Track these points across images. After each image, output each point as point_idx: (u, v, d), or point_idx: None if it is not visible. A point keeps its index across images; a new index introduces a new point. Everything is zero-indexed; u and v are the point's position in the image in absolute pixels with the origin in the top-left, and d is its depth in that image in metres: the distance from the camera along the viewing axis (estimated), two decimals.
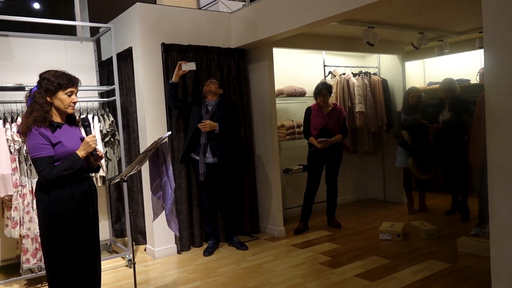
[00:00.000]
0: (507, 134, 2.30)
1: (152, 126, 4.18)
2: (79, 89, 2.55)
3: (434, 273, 3.48)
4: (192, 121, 4.18)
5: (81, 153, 2.41)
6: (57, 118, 2.45)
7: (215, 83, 4.20)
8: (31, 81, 3.48)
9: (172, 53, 4.24)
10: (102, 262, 4.08)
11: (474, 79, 6.08)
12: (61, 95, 2.41)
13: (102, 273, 3.90)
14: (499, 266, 2.38)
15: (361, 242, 4.40)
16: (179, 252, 4.31)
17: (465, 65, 6.40)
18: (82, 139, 2.50)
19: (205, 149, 4.14)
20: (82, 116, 3.98)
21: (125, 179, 2.86)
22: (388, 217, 5.27)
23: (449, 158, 4.96)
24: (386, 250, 4.10)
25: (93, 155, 2.50)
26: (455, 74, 6.03)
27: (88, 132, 2.52)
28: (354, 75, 5.79)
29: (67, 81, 2.43)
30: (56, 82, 2.39)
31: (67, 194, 2.39)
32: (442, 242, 4.23)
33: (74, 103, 2.48)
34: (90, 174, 2.65)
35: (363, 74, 5.87)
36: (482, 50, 5.71)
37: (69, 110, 2.47)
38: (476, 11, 3.66)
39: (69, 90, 2.43)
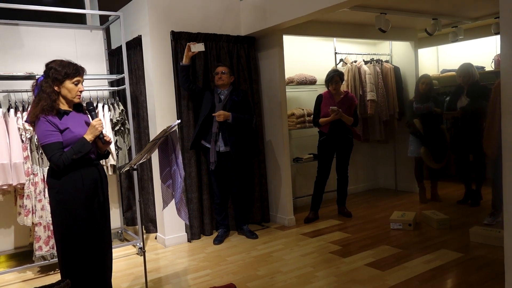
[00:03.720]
0: None
1: (162, 114, 4.17)
2: (89, 78, 2.58)
3: (446, 263, 3.44)
4: (203, 108, 4.17)
5: (88, 136, 2.45)
6: (64, 106, 2.50)
7: (226, 73, 4.15)
8: (41, 70, 3.48)
9: (181, 41, 4.21)
10: (113, 250, 4.15)
11: (489, 66, 5.95)
12: (68, 84, 2.46)
13: (113, 260, 3.94)
14: None
15: (372, 231, 4.38)
16: (189, 240, 4.33)
17: (480, 52, 6.26)
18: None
19: (216, 137, 4.13)
20: (87, 101, 4.01)
21: (135, 167, 2.88)
22: (399, 206, 5.23)
23: (466, 145, 4.86)
24: (397, 240, 4.07)
25: (100, 138, 2.52)
26: (469, 61, 5.87)
27: (93, 116, 2.57)
28: (366, 62, 5.71)
29: (74, 71, 2.47)
30: (63, 71, 2.43)
31: (77, 179, 2.43)
32: (454, 232, 4.19)
33: (81, 92, 2.52)
34: (100, 162, 2.68)
35: (374, 61, 5.78)
36: (497, 36, 5.61)
37: (76, 100, 2.52)
38: None
39: (75, 79, 2.48)
